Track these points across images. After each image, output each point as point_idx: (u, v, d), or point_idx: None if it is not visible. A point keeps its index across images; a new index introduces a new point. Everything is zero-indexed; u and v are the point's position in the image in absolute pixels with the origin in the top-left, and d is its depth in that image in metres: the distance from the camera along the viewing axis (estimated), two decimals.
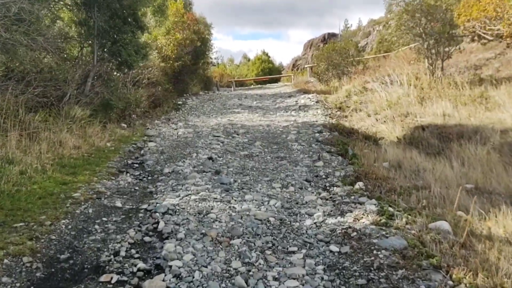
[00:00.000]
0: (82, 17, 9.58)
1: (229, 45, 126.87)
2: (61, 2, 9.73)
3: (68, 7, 9.88)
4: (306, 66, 30.32)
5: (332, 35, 50.11)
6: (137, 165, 7.34)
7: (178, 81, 17.54)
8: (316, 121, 11.32)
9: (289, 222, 4.64)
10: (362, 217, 4.58)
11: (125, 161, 7.52)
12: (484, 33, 12.84)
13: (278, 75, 35.26)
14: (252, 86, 30.35)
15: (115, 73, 10.88)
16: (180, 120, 12.17)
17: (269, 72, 36.36)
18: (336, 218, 4.69)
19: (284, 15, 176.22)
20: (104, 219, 4.71)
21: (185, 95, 18.82)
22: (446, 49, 14.15)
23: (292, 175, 6.50)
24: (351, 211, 4.85)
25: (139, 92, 11.74)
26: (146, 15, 11.30)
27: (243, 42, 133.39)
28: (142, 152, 8.22)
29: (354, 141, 9.19)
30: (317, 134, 9.44)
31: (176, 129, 10.74)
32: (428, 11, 14.04)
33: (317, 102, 14.65)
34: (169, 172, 6.81)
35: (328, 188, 5.88)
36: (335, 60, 19.67)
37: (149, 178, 6.62)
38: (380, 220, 4.42)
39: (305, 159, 7.54)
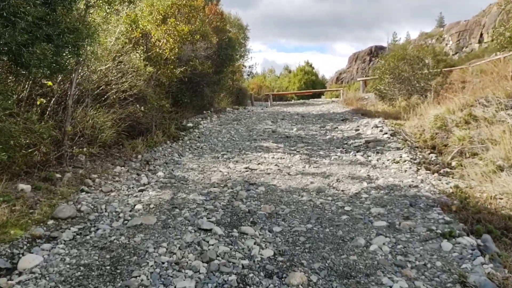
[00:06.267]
0: None
1: (273, 57, 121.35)
2: None
3: None
4: (359, 79, 24.08)
5: (380, 48, 43.79)
6: None
7: (195, 94, 12.23)
8: (414, 184, 5.38)
9: None
10: None
11: None
12: None
13: (322, 89, 29.18)
14: (292, 101, 24.53)
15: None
16: (166, 165, 6.63)
17: (312, 85, 30.35)
18: None
19: (330, 29, 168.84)
20: None
21: (205, 112, 13.46)
22: None
23: None
24: None
25: (96, 115, 6.30)
26: None
27: (287, 54, 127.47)
28: None
29: None
30: (448, 248, 3.52)
31: (142, 190, 5.21)
32: None
33: (392, 134, 8.71)
34: None
35: None
36: (404, 73, 13.64)
37: None
38: None
39: None
